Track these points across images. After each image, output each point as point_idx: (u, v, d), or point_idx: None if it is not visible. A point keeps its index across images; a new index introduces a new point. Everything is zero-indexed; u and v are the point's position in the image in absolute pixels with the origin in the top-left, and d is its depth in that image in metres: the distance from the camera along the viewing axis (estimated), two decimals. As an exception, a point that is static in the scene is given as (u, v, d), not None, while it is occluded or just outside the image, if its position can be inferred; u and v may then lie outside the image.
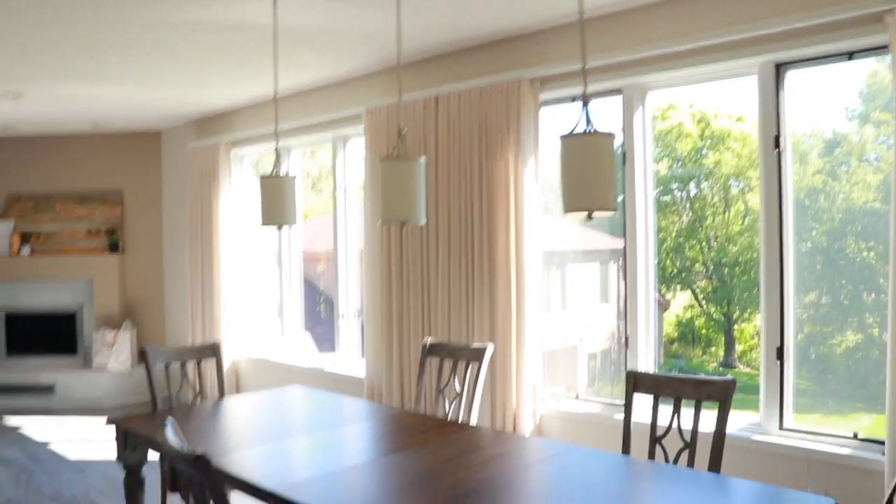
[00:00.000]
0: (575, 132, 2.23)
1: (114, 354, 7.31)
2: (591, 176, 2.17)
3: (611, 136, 2.23)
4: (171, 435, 2.29)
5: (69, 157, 7.73)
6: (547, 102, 4.43)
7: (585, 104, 2.25)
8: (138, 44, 4.45)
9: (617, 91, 4.15)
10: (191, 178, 6.87)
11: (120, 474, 5.07)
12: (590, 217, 2.22)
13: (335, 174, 5.86)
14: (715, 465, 2.78)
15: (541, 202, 4.42)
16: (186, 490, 3.52)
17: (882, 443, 3.30)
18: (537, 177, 4.36)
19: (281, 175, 3.23)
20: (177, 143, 7.53)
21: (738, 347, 5.97)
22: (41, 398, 7.16)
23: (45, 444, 5.91)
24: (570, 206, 2.21)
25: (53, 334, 7.66)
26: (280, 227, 3.28)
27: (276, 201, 3.16)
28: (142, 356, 3.79)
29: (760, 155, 3.72)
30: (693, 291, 6.22)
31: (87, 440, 6.06)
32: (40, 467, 5.31)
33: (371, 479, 2.58)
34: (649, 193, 4.21)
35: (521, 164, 4.30)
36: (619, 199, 2.10)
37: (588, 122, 2.22)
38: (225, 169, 6.54)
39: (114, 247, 7.64)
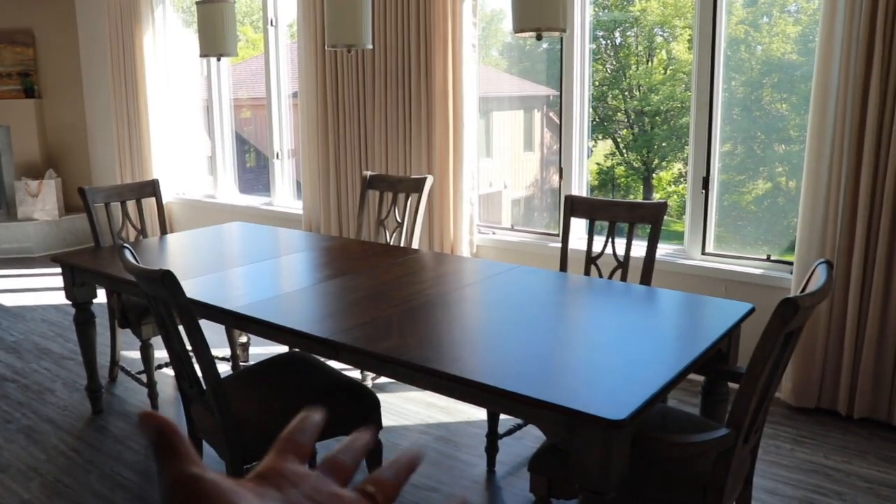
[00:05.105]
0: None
1: (39, 204, 7.12)
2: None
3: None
4: (132, 258, 2.34)
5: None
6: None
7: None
8: None
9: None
10: (108, 16, 6.50)
11: (60, 319, 5.13)
12: (539, 37, 2.26)
13: (265, 11, 5.65)
14: (646, 280, 3.01)
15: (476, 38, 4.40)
16: (137, 325, 3.62)
17: (791, 263, 3.61)
18: (475, 11, 4.32)
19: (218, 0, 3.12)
20: (88, -24, 7.04)
21: (655, 195, 6.19)
22: (-34, 249, 7.00)
23: (-23, 293, 5.85)
24: (520, 25, 2.24)
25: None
26: (219, 58, 3.20)
27: (214, 29, 3.07)
28: (80, 195, 3.72)
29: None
30: (614, 140, 6.36)
31: (21, 289, 6.01)
32: (-24, 314, 5.29)
33: (325, 298, 2.70)
34: (587, 40, 4.24)
35: (459, -2, 4.25)
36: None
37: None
38: (146, 6, 6.21)
39: (29, 91, 7.26)
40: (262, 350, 4.11)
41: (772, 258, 3.80)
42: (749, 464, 2.15)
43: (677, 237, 4.26)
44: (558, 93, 4.36)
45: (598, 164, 6.30)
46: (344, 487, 0.45)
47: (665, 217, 3.05)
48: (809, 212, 3.38)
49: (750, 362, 1.78)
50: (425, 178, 3.68)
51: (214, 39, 3.08)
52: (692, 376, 2.21)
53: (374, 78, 4.68)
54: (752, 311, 2.46)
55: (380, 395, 2.62)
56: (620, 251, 3.07)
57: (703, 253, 3.94)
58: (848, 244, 3.32)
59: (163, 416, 0.41)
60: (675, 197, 6.17)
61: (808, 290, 1.95)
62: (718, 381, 2.45)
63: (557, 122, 4.46)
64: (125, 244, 2.43)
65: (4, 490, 2.93)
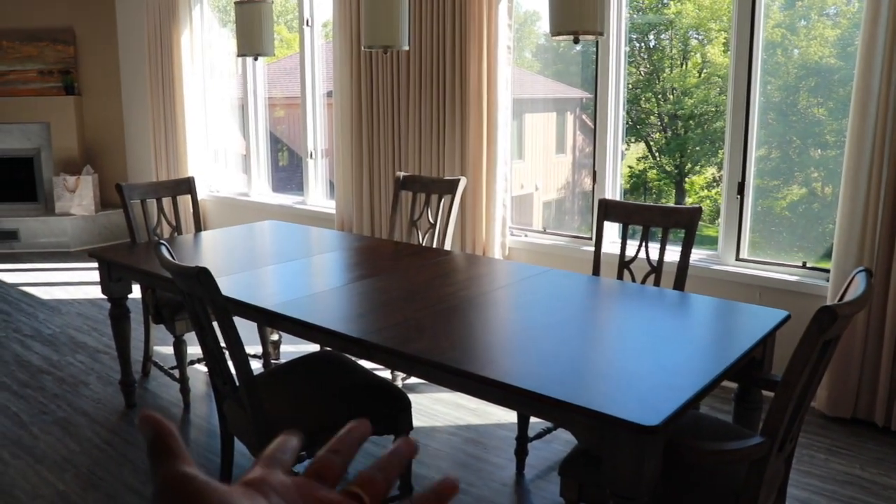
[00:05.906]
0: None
1: (76, 199, 7.24)
2: (580, -3, 2.18)
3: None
4: (168, 254, 2.37)
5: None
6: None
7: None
8: None
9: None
10: (147, 15, 6.59)
11: (95, 313, 5.21)
12: (576, 41, 2.26)
13: (301, 11, 5.70)
14: (680, 286, 2.98)
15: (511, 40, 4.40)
16: (171, 321, 3.66)
17: (827, 271, 3.55)
18: (511, 13, 4.32)
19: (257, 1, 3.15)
20: (128, -24, 7.14)
21: (688, 200, 6.14)
22: (5, 244, 7.12)
23: (16, 287, 5.95)
24: (558, 28, 2.23)
25: (11, 180, 7.49)
26: (256, 58, 3.23)
27: (252, 29, 3.10)
28: (117, 191, 3.78)
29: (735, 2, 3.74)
30: (647, 143, 6.31)
31: (58, 283, 6.12)
32: (15, 308, 5.37)
33: (358, 297, 2.72)
34: (622, 42, 4.22)
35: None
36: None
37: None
38: (185, 6, 6.29)
39: (69, 88, 7.39)
40: (293, 348, 4.14)
41: (807, 265, 3.75)
42: (783, 473, 2.12)
43: (709, 242, 4.21)
44: (591, 95, 4.34)
45: (630, 167, 6.26)
46: (333, 488, 0.45)
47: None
48: (847, 219, 3.33)
49: (786, 370, 1.76)
50: (458, 180, 3.68)
51: (252, 39, 3.11)
52: (725, 383, 2.19)
53: (409, 79, 4.69)
54: (787, 318, 2.42)
55: (409, 396, 2.63)
56: (654, 256, 3.05)
57: (738, 259, 3.90)
58: (887, 252, 3.26)
59: (161, 417, 0.42)
60: (708, 202, 6.11)
61: (846, 299, 1.91)
62: (752, 389, 2.42)
63: (590, 124, 4.44)
64: (161, 241, 2.47)
65: (40, 480, 2.99)
